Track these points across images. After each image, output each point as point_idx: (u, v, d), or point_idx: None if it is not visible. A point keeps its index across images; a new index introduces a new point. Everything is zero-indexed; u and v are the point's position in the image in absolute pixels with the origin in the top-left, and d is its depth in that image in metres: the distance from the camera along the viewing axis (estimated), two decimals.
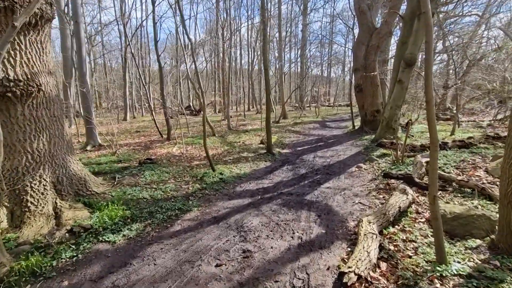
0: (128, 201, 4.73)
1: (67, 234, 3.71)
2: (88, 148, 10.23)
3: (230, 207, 4.85)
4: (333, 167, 7.18)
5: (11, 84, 3.52)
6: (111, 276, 3.02)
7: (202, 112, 6.91)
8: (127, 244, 3.70)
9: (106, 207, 4.35)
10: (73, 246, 3.50)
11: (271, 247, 3.43)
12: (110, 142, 9.46)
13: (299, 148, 9.97)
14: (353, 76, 13.43)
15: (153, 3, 11.44)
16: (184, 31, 6.55)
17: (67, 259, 3.29)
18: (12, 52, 3.56)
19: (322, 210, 4.49)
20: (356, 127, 13.52)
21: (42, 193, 3.91)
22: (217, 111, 27.41)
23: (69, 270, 3.13)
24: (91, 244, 3.59)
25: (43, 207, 3.85)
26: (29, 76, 3.71)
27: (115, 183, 5.37)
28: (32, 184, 3.84)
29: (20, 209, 3.69)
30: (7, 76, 3.49)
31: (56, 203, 4.02)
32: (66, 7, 12.96)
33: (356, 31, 14.28)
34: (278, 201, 5.03)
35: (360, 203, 4.71)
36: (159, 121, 16.29)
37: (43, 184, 3.95)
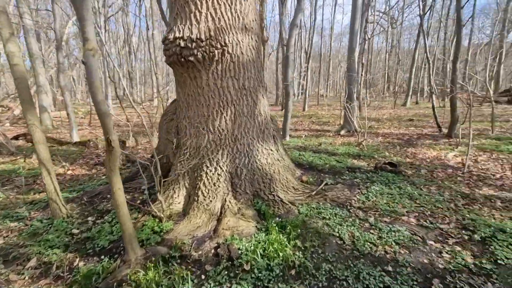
0: (309, 233, 2.81)
1: (212, 251, 2.67)
2: (342, 132, 9.28)
3: None
4: None
5: (193, 45, 2.83)
6: None
7: None
8: None
9: (275, 229, 2.78)
10: (198, 280, 2.35)
11: None
12: (362, 130, 7.74)
13: None
14: None
15: None
16: None
17: None
18: (198, 2, 2.83)
19: None
20: None
21: (214, 184, 3.13)
22: None
23: None
24: None
25: (210, 201, 3.08)
26: (212, 33, 2.84)
27: (315, 192, 3.60)
28: (207, 170, 3.17)
29: (193, 196, 3.18)
30: (190, 35, 2.82)
31: (225, 200, 3.11)
32: None
33: None
34: None
35: None
36: (447, 109, 11.70)
37: (218, 173, 3.16)
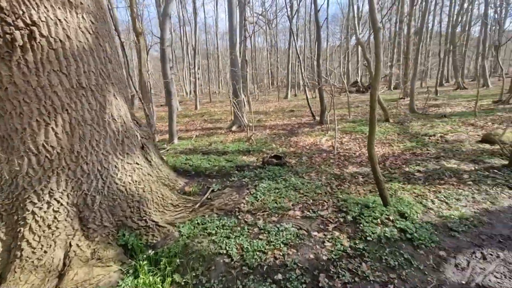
0: (191, 260, 2.33)
1: None
2: (233, 128, 9.26)
3: None
4: None
5: None
6: None
7: (371, 89, 3.31)
8: None
9: (144, 270, 2.15)
10: None
11: None
12: (250, 124, 7.87)
13: None
14: None
15: None
16: None
17: None
18: None
19: None
20: None
21: (49, 226, 2.18)
22: (392, 87, 21.15)
23: None
24: None
25: (45, 251, 2.12)
26: (4, 5, 1.88)
27: (199, 204, 3.16)
28: (34, 208, 2.18)
29: (14, 250, 2.13)
30: None
31: (70, 245, 2.22)
32: None
33: None
34: None
35: None
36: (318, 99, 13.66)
37: (53, 209, 2.22)
